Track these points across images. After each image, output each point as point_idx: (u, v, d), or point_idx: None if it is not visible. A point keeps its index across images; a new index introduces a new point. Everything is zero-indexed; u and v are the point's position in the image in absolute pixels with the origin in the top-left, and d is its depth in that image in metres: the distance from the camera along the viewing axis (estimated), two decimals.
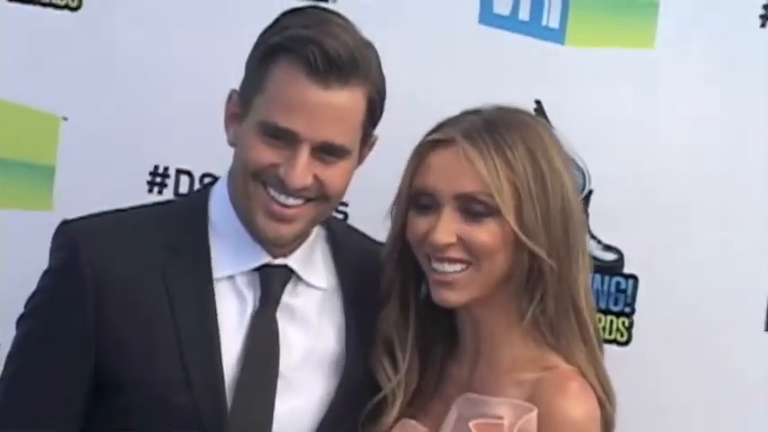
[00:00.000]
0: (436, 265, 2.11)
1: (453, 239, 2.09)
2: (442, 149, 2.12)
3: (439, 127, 2.16)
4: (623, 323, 2.54)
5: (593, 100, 2.57)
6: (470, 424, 2.14)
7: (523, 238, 2.05)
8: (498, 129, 2.12)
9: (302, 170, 2.10)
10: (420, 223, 2.13)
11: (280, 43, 2.11)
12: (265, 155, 2.11)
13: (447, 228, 2.11)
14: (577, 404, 2.10)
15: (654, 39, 2.55)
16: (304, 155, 2.09)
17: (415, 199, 2.15)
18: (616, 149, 2.57)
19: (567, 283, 2.13)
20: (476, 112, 2.16)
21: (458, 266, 2.11)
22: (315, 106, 2.10)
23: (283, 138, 2.08)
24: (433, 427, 2.20)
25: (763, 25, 2.51)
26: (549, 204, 2.11)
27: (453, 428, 2.18)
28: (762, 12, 2.52)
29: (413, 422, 2.23)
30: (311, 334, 2.26)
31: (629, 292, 2.56)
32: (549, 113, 2.52)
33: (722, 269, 2.56)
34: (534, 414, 2.09)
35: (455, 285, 2.12)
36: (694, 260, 2.55)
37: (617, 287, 2.57)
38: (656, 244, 2.58)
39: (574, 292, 2.14)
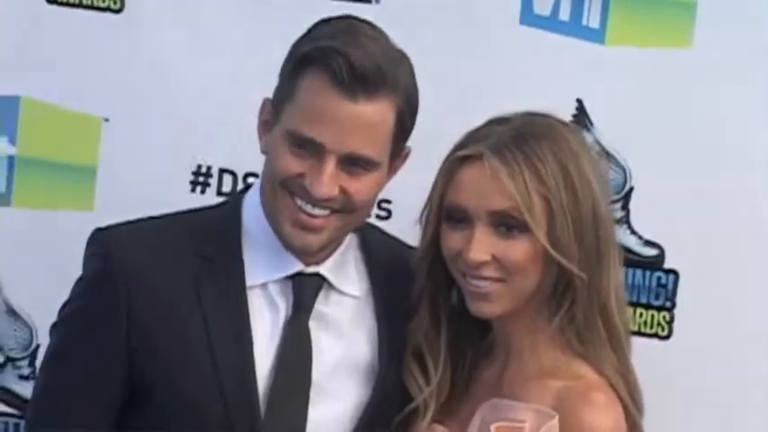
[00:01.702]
0: (472, 281, 2.17)
1: (488, 258, 2.14)
2: (472, 166, 2.16)
3: (467, 141, 2.19)
4: (664, 317, 2.60)
5: (633, 98, 2.62)
6: (492, 426, 2.19)
7: (554, 254, 2.11)
8: (528, 141, 2.15)
9: (328, 181, 2.13)
10: (454, 239, 2.18)
11: (308, 54, 2.14)
12: (292, 164, 2.13)
13: (481, 246, 2.16)
14: (603, 417, 2.15)
15: (692, 38, 2.61)
16: (330, 166, 2.11)
17: (447, 213, 2.19)
18: (657, 147, 2.62)
19: (597, 291, 2.18)
20: (504, 121, 2.19)
21: (492, 282, 2.17)
22: (341, 118, 2.12)
23: (310, 148, 2.11)
24: (458, 426, 2.25)
25: None
26: (581, 216, 2.15)
27: (479, 429, 2.23)
28: None
29: (441, 428, 2.26)
30: (344, 342, 2.30)
31: (670, 287, 2.62)
32: (590, 112, 2.59)
33: (762, 266, 2.63)
34: (556, 421, 2.14)
35: (490, 297, 2.17)
36: (734, 256, 2.60)
37: (658, 282, 2.62)
38: (697, 240, 2.63)
39: (603, 300, 2.19)
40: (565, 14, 2.66)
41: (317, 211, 2.13)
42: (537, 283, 2.15)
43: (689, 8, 2.63)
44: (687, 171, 2.64)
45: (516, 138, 2.13)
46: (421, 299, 2.30)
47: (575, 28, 2.67)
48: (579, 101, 2.60)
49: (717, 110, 2.63)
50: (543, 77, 2.60)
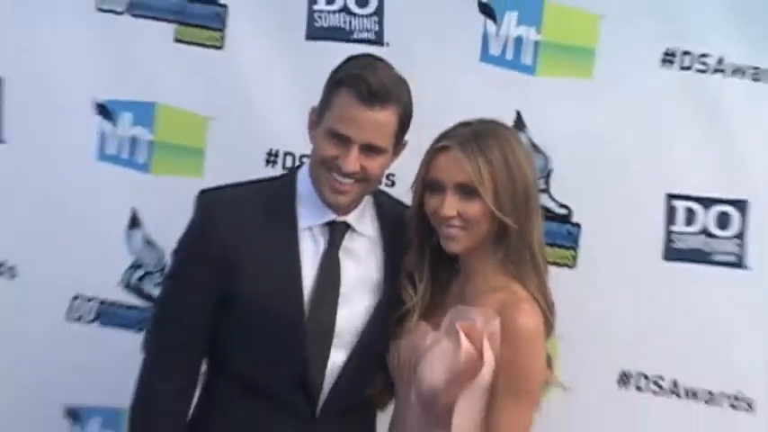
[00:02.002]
0: (444, 229, 2.95)
1: (454, 213, 2.91)
2: (445, 154, 2.94)
3: (442, 137, 2.99)
4: (571, 254, 3.54)
5: (554, 111, 3.53)
6: (456, 324, 2.94)
7: (497, 212, 2.89)
8: (481, 138, 2.94)
9: (352, 161, 2.90)
10: (433, 201, 2.95)
11: (341, 78, 2.93)
12: (330, 150, 2.91)
13: (450, 206, 2.92)
14: (528, 319, 2.90)
15: (592, 72, 3.53)
16: (354, 151, 2.88)
17: (428, 185, 2.97)
18: (568, 143, 3.52)
19: (525, 237, 2.95)
20: (467, 124, 2.99)
21: (457, 229, 2.95)
22: (362, 120, 2.90)
23: (341, 140, 2.89)
24: (435, 327, 3.00)
25: (664, 63, 3.48)
26: (515, 188, 2.92)
27: (447, 327, 2.98)
28: (662, 57, 3.48)
29: (423, 323, 3.03)
30: (361, 267, 3.09)
31: (575, 234, 3.57)
32: (525, 120, 3.50)
33: (636, 221, 3.52)
34: (497, 322, 2.88)
35: (456, 239, 2.94)
36: (619, 213, 3.50)
37: (567, 231, 3.57)
38: (594, 204, 3.54)
39: (530, 242, 2.96)
40: (509, 55, 3.57)
41: (345, 181, 2.93)
42: (486, 230, 2.95)
43: (590, 52, 3.52)
44: (588, 158, 3.52)
45: (474, 136, 2.93)
46: (412, 240, 3.07)
47: (516, 64, 3.58)
48: (518, 112, 3.49)
49: (607, 119, 3.51)
50: (495, 96, 3.44)
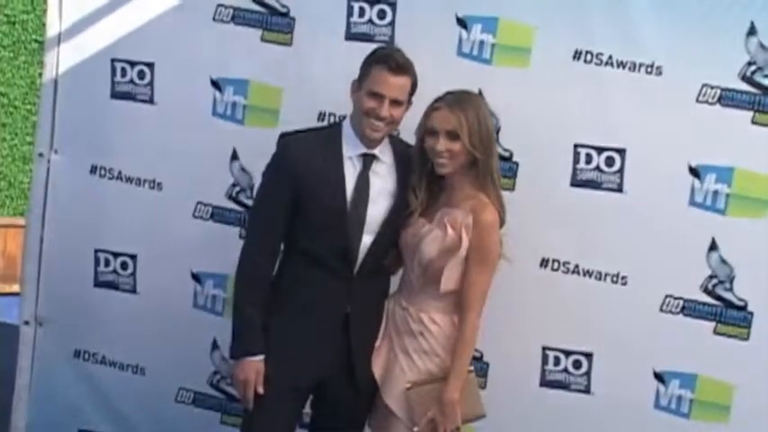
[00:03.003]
0: (437, 159, 3.99)
1: (444, 149, 3.96)
2: (438, 111, 3.98)
3: (436, 101, 4.00)
4: (512, 182, 4.56)
5: (502, 87, 4.53)
6: (444, 219, 4.01)
7: (470, 149, 3.94)
8: (462, 102, 3.99)
9: (386, 110, 3.96)
10: (430, 142, 3.98)
11: (376, 58, 4.02)
12: (370, 103, 3.96)
13: (442, 144, 3.97)
14: (490, 215, 4.01)
15: (529, 63, 4.58)
16: (386, 104, 3.96)
17: (428, 130, 3.99)
18: (511, 110, 4.52)
19: (488, 165, 4.00)
20: (453, 92, 4.01)
21: (446, 159, 3.99)
22: (391, 83, 3.97)
23: (377, 97, 3.94)
24: (429, 221, 4.03)
25: (574, 58, 4.50)
26: (482, 134, 3.98)
27: (437, 221, 4.02)
28: (573, 54, 4.51)
29: (422, 219, 4.07)
30: (382, 181, 4.11)
31: (515, 169, 4.59)
32: (484, 94, 4.37)
33: (546, 163, 4.55)
34: (471, 217, 3.97)
35: (445, 166, 4.00)
36: (541, 157, 4.56)
37: (509, 167, 4.58)
38: (526, 147, 4.58)
39: (491, 168, 4.02)
40: (475, 51, 4.64)
41: (379, 124, 3.99)
42: (464, 160, 3.98)
43: (528, 51, 4.58)
44: (524, 119, 4.55)
45: (456, 100, 4.00)
46: (415, 166, 4.09)
47: (478, 57, 4.64)
48: (480, 90, 4.38)
49: (539, 94, 4.53)
50: (466, 79, 4.34)
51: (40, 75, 7.70)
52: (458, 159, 4.01)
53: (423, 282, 4.06)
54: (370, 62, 4.03)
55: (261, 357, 4.07)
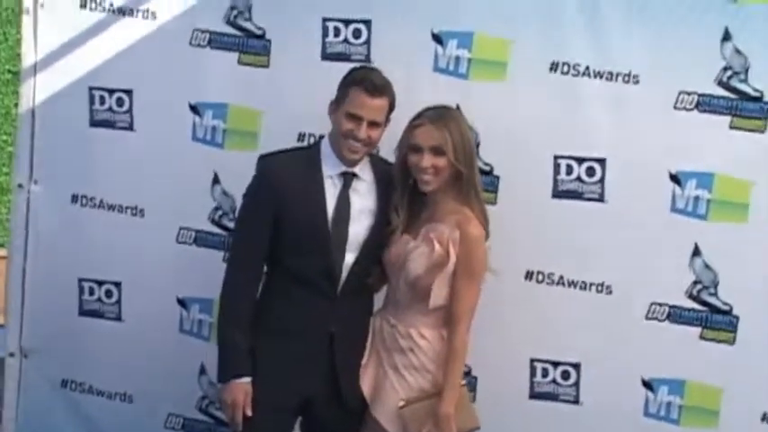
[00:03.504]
0: (422, 176, 4.00)
1: (429, 165, 3.98)
2: (422, 127, 3.99)
3: (418, 117, 4.02)
4: (493, 196, 4.55)
5: (478, 100, 4.51)
6: (431, 234, 4.03)
7: (454, 162, 3.96)
8: (444, 117, 4.03)
9: (364, 131, 3.99)
10: (414, 158, 4.01)
11: (353, 80, 4.04)
12: (348, 126, 3.99)
13: (427, 161, 3.99)
14: (475, 229, 4.02)
15: (506, 75, 4.59)
16: (364, 126, 3.99)
17: (411, 147, 4.01)
18: (490, 123, 4.53)
19: (471, 179, 4.02)
20: (434, 108, 4.04)
21: (431, 176, 4.00)
22: (368, 105, 4.00)
23: (355, 119, 3.97)
24: (414, 237, 4.06)
25: (551, 70, 4.53)
26: (465, 149, 4.01)
27: (423, 236, 4.04)
28: (549, 66, 4.52)
29: (405, 236, 4.10)
30: (362, 200, 4.12)
31: (496, 183, 4.60)
32: (462, 109, 4.33)
33: (526, 175, 4.57)
34: (458, 232, 3.99)
35: (430, 183, 4.03)
36: (521, 170, 4.58)
37: (491, 181, 4.59)
38: (505, 160, 4.59)
39: (474, 183, 4.05)
40: (451, 66, 4.65)
41: (357, 145, 4.01)
42: (448, 175, 4.00)
43: (504, 65, 4.59)
44: (503, 133, 4.57)
45: (439, 116, 4.02)
46: (396, 184, 4.10)
47: (454, 73, 4.65)
48: (457, 104, 4.37)
49: (516, 107, 4.56)
50: (443, 95, 4.36)
51: (16, 105, 7.76)
52: (442, 175, 4.03)
53: (410, 298, 4.08)
54: (348, 83, 4.06)
55: (248, 379, 4.09)
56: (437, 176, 4.03)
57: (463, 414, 4.14)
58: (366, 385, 4.17)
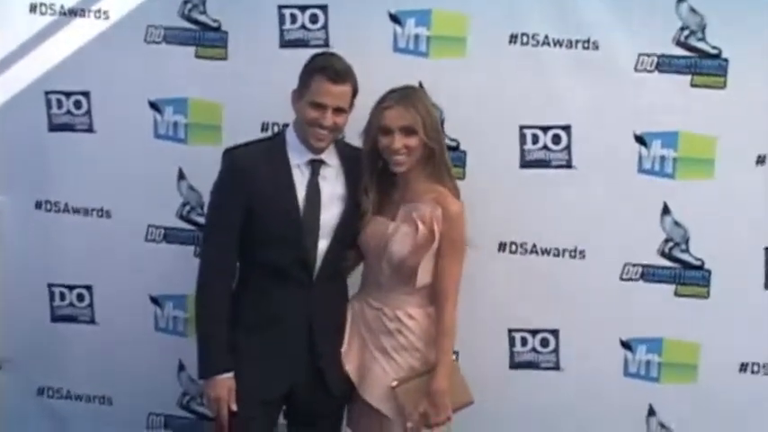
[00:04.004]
0: (394, 157, 4.00)
1: (401, 146, 3.98)
2: (390, 109, 3.98)
3: (384, 99, 4.01)
4: (462, 171, 4.61)
5: (441, 78, 4.55)
6: (413, 214, 4.01)
7: (427, 141, 3.97)
8: (410, 97, 4.03)
9: (329, 119, 3.95)
10: (385, 140, 3.99)
11: (315, 67, 3.99)
12: (313, 114, 3.96)
13: (399, 142, 3.99)
14: (456, 205, 4.03)
15: (466, 50, 4.61)
16: (329, 113, 3.96)
17: (382, 130, 3.99)
18: (453, 99, 4.57)
19: (442, 155, 4.04)
20: (400, 89, 4.04)
21: (404, 156, 3.99)
22: (333, 92, 3.96)
23: (320, 107, 3.93)
24: (392, 219, 4.05)
25: (510, 42, 4.62)
26: (434, 126, 4.01)
27: (402, 217, 4.05)
28: (508, 38, 4.58)
29: (380, 218, 4.09)
30: (331, 186, 4.11)
31: (463, 158, 4.66)
32: (425, 85, 4.41)
33: (494, 148, 4.62)
34: (440, 210, 3.99)
35: (403, 164, 4.02)
36: (489, 143, 4.61)
37: (457, 156, 4.63)
38: (473, 135, 4.62)
39: (445, 159, 4.07)
40: (411, 46, 4.67)
41: (323, 133, 3.99)
42: (420, 154, 4.01)
43: (463, 41, 4.62)
44: (466, 108, 4.59)
45: (405, 96, 4.02)
46: (365, 168, 4.08)
47: (414, 51, 4.66)
48: (420, 82, 4.45)
49: (477, 82, 4.59)
50: (405, 73, 4.39)
51: None
52: (414, 155, 4.05)
53: (395, 279, 4.10)
54: (310, 72, 4.03)
55: (231, 374, 4.08)
56: (409, 156, 4.04)
57: (457, 390, 4.17)
58: (352, 369, 4.18)
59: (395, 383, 4.10)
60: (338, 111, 4.02)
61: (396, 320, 4.14)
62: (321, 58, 4.10)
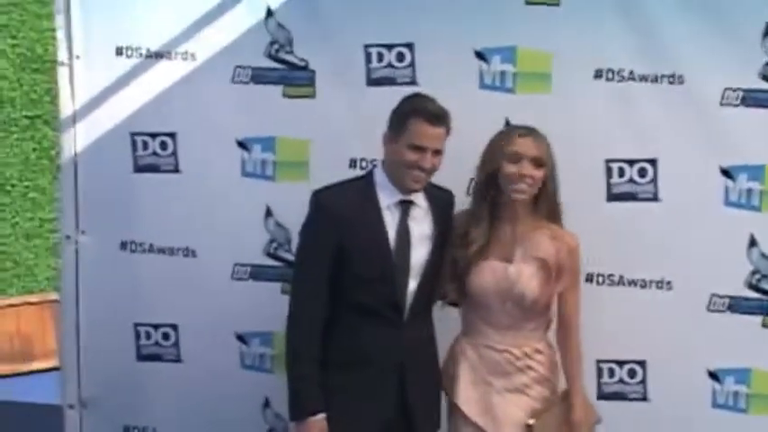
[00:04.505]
0: (518, 185, 4.07)
1: (529, 174, 4.06)
2: (523, 137, 4.10)
3: (512, 130, 4.18)
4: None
5: (526, 115, 4.39)
6: (536, 253, 4.14)
7: (549, 176, 4.09)
8: (540, 133, 4.15)
9: (429, 161, 4.02)
10: (512, 167, 4.07)
11: (411, 110, 4.05)
12: (412, 157, 4.02)
13: (527, 170, 4.06)
14: (574, 238, 4.21)
15: (551, 88, 4.65)
16: (429, 155, 4.02)
17: (510, 156, 4.06)
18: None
19: (556, 196, 4.17)
20: (523, 126, 4.17)
21: (527, 185, 4.08)
22: (432, 135, 4.03)
23: (419, 149, 4.00)
24: (507, 261, 4.12)
25: (596, 77, 4.67)
26: (555, 165, 4.13)
27: (522, 257, 4.15)
28: (594, 73, 4.60)
29: (493, 261, 4.14)
30: (420, 227, 4.17)
31: None
32: (512, 122, 4.44)
33: (581, 182, 4.52)
34: (561, 246, 4.15)
35: (524, 192, 4.10)
36: (579, 177, 4.49)
37: None
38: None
39: (557, 199, 4.18)
40: (497, 82, 4.73)
41: (422, 175, 4.06)
42: (537, 189, 4.12)
43: (548, 77, 4.65)
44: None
45: (536, 130, 4.14)
46: (477, 195, 4.18)
47: (501, 87, 4.73)
48: (507, 119, 4.52)
49: (564, 118, 4.60)
50: (491, 109, 4.59)
51: (34, 150, 8.29)
52: (535, 187, 4.13)
53: (523, 320, 4.20)
54: (406, 114, 4.07)
55: (323, 416, 4.08)
56: (531, 187, 4.12)
57: (588, 411, 4.29)
58: (474, 413, 4.25)
59: (532, 421, 4.18)
60: (436, 153, 4.06)
61: (525, 358, 4.21)
62: (416, 101, 4.14)
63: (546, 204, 4.18)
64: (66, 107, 5.09)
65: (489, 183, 4.16)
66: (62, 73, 5.06)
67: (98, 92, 5.05)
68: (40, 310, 8.58)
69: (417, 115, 4.02)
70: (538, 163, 4.09)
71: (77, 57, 5.04)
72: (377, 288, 4.07)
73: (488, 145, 4.18)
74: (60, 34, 4.99)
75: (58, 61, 5.05)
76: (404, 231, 4.13)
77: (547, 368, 4.22)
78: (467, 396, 4.23)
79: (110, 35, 5.00)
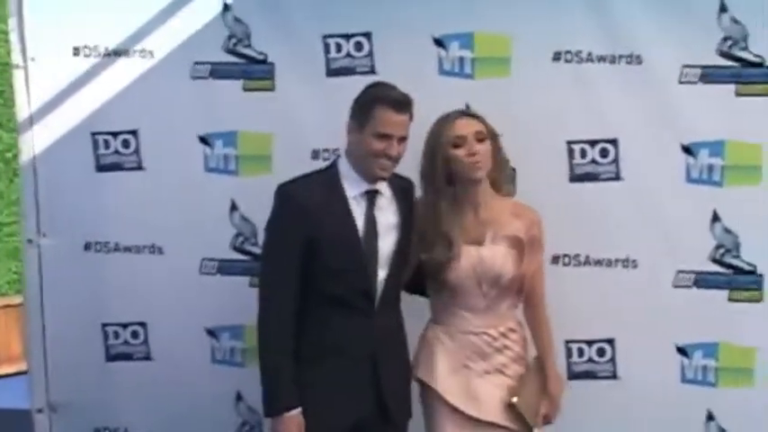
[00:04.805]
0: (472, 161, 4.10)
1: (477, 150, 4.10)
2: (460, 117, 4.16)
3: (448, 115, 4.16)
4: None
5: (488, 100, 4.55)
6: (505, 233, 4.22)
7: (496, 147, 4.17)
8: (470, 112, 4.28)
9: (395, 148, 4.00)
10: (460, 151, 4.11)
11: (374, 99, 4.03)
12: (378, 145, 3.99)
13: (475, 146, 4.12)
14: (533, 210, 4.32)
15: (510, 70, 4.69)
16: (395, 142, 3.99)
17: (455, 141, 4.10)
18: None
19: (508, 167, 4.33)
20: (456, 110, 4.21)
21: (482, 159, 4.12)
22: (397, 122, 4.01)
23: (385, 137, 3.97)
24: (478, 244, 4.19)
25: (554, 60, 4.75)
26: (496, 136, 4.21)
27: (492, 239, 4.21)
28: (552, 56, 4.70)
29: (464, 246, 4.18)
30: (385, 215, 4.17)
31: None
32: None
33: (543, 163, 4.68)
34: (526, 221, 4.24)
35: (482, 167, 4.14)
36: (540, 158, 4.65)
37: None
38: (528, 152, 4.59)
39: (508, 170, 4.34)
40: (456, 68, 4.76)
41: (389, 163, 4.03)
42: (490, 166, 4.17)
43: (507, 61, 4.71)
44: (512, 121, 4.50)
45: (465, 111, 4.28)
46: (440, 190, 4.18)
47: (460, 73, 4.74)
48: (467, 104, 4.52)
49: (523, 99, 4.66)
50: (451, 95, 4.58)
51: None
52: (487, 162, 4.18)
53: (499, 300, 4.25)
54: (370, 102, 4.06)
55: (299, 410, 4.06)
56: (485, 162, 4.17)
57: (561, 381, 4.46)
58: (454, 397, 4.27)
59: (515, 399, 4.25)
60: (401, 140, 4.05)
61: (501, 338, 4.26)
62: (379, 89, 4.13)
63: (502, 174, 4.30)
64: (23, 110, 5.06)
65: (442, 172, 4.19)
66: (17, 76, 5.03)
67: (57, 93, 5.04)
68: (4, 315, 8.56)
69: (382, 103, 4.01)
70: (481, 137, 4.14)
71: (32, 59, 5.03)
72: (348, 278, 4.06)
73: (429, 138, 4.21)
74: (14, 37, 4.97)
75: (13, 64, 5.04)
76: (371, 221, 4.13)
77: (521, 346, 4.29)
78: (448, 384, 4.24)
79: (66, 36, 4.98)
